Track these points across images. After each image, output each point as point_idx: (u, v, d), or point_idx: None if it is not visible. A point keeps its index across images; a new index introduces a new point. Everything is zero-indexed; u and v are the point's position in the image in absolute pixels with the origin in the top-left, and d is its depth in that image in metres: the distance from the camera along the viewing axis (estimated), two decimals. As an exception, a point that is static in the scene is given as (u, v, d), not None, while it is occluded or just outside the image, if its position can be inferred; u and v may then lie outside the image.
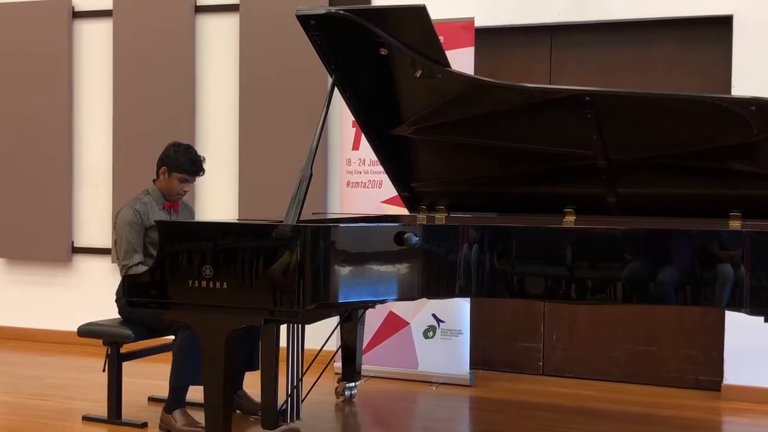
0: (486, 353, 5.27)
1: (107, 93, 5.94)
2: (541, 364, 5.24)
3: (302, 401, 3.92)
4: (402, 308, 4.93)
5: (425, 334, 4.96)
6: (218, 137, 5.71)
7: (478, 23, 4.89)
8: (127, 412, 4.07)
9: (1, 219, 6.12)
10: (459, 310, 4.87)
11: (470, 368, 4.92)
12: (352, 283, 3.20)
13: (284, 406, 3.78)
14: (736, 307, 3.08)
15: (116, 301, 4.07)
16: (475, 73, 4.44)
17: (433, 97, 3.57)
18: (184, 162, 4.00)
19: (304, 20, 3.39)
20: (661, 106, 3.34)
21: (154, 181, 4.10)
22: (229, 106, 5.68)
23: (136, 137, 5.75)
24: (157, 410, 4.02)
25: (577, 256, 3.22)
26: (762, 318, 3.16)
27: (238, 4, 5.61)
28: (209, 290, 3.15)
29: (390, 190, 4.41)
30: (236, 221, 4.11)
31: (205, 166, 4.11)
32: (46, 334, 6.08)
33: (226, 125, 5.69)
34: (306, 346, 3.94)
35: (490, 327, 5.28)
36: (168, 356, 3.94)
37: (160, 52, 5.74)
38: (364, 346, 4.71)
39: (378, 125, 3.83)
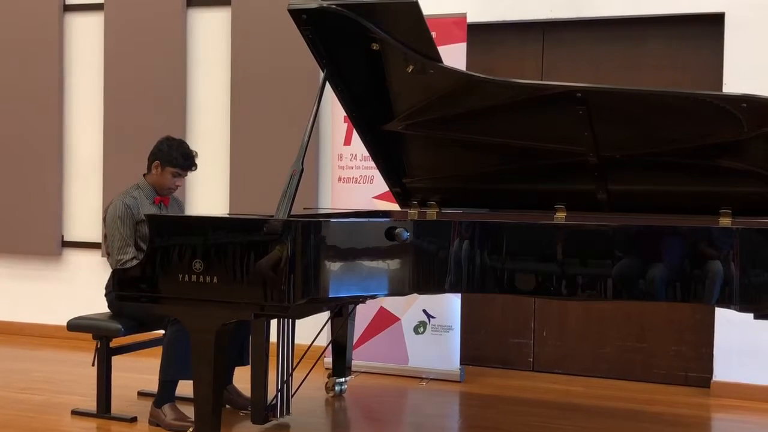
0: (476, 349, 5.27)
1: (98, 87, 5.91)
2: (531, 360, 5.25)
3: (292, 396, 3.92)
4: (393, 304, 4.93)
5: (416, 330, 4.96)
6: (209, 131, 5.69)
7: (470, 19, 4.89)
8: (117, 407, 4.06)
9: (-9, 212, 6.09)
10: (450, 305, 4.87)
11: (460, 364, 4.93)
12: (342, 278, 3.19)
13: (274, 401, 3.78)
14: (726, 303, 3.08)
15: (106, 295, 4.06)
16: (467, 69, 4.43)
17: (425, 93, 3.57)
18: (177, 156, 3.99)
19: (296, 15, 3.38)
20: (653, 103, 3.35)
21: (144, 175, 4.08)
22: (220, 100, 5.66)
23: (127, 131, 5.73)
24: (147, 404, 4.01)
25: (567, 253, 3.22)
26: (752, 315, 3.18)
27: (230, -2, 5.61)
28: (199, 284, 3.14)
29: (381, 185, 4.41)
30: (227, 216, 4.09)
31: (197, 160, 4.10)
32: (35, 327, 6.06)
33: (217, 119, 5.67)
34: (296, 342, 3.94)
35: (481, 323, 5.28)
36: (158, 350, 3.93)
37: (152, 46, 5.72)
38: (354, 341, 4.70)
39: (370, 120, 3.82)
